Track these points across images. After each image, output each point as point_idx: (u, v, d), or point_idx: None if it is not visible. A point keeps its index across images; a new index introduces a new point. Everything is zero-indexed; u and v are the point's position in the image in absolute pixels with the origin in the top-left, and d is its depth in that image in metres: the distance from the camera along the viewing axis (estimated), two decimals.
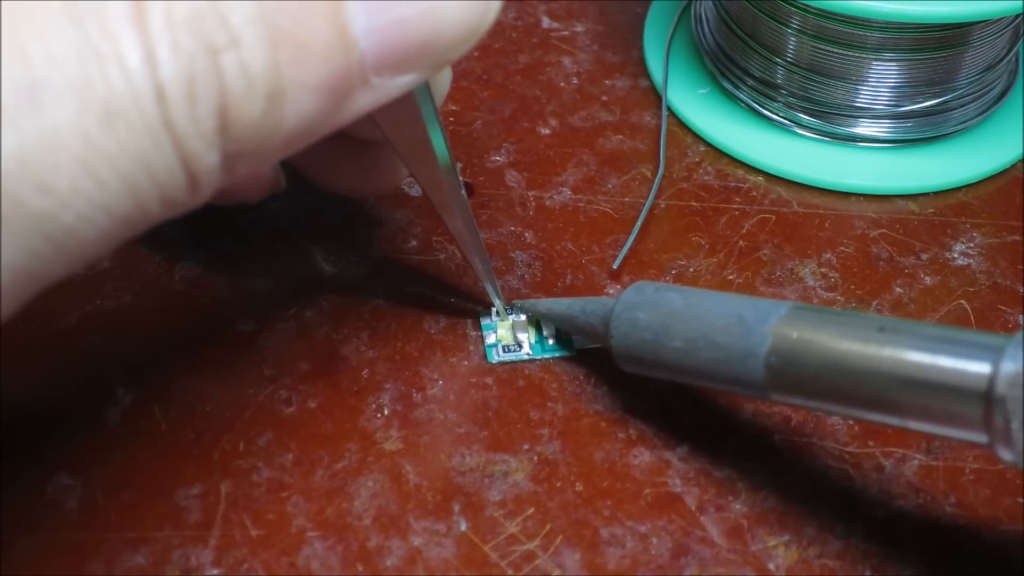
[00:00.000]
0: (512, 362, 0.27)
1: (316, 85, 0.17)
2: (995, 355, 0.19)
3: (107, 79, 0.15)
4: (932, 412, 0.20)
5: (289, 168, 0.27)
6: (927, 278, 0.29)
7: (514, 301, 0.28)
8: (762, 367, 0.22)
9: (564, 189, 0.31)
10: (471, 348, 0.27)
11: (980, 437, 0.19)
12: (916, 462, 0.25)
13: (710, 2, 0.34)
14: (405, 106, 0.21)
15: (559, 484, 0.24)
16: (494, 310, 0.27)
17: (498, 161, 0.32)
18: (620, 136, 0.33)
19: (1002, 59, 0.32)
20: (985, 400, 0.19)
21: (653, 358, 0.24)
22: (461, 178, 0.31)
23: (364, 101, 0.18)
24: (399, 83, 0.18)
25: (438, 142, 0.22)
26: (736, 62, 0.33)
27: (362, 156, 0.26)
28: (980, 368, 0.19)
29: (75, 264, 0.17)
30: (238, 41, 0.16)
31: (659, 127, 0.33)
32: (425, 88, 0.22)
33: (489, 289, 0.27)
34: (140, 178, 0.16)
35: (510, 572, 0.23)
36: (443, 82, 0.25)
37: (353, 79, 0.17)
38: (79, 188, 0.16)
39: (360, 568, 0.23)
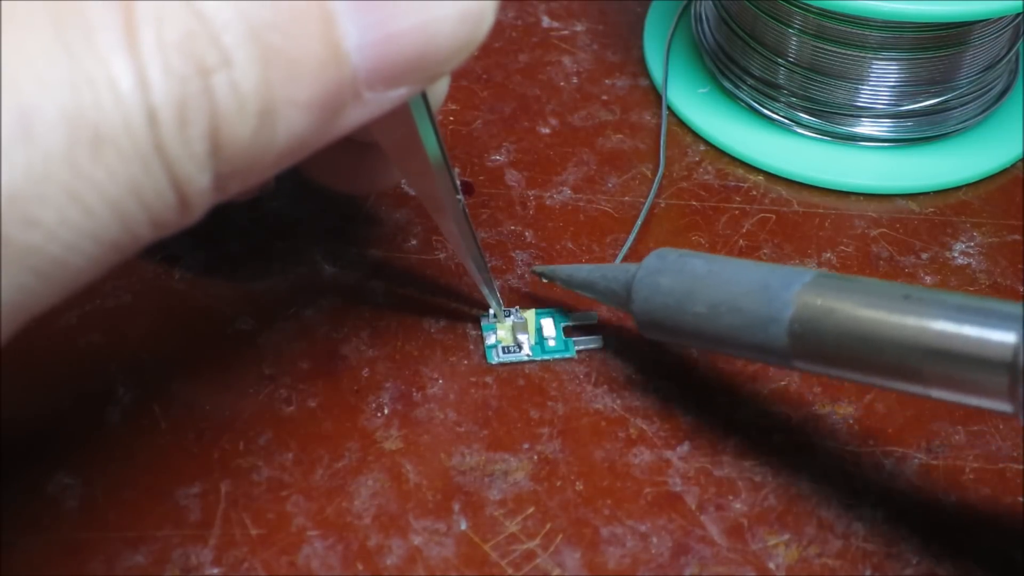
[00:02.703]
0: (512, 363, 0.27)
1: (308, 102, 0.17)
2: (1020, 324, 0.19)
3: (99, 104, 0.15)
4: (956, 381, 0.20)
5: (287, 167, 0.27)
6: (927, 277, 0.29)
7: (534, 267, 0.28)
8: (785, 333, 0.22)
9: (564, 188, 0.31)
10: (471, 347, 0.27)
11: (1004, 407, 0.19)
12: (916, 461, 0.25)
13: (710, 1, 0.34)
14: (397, 112, 0.21)
15: (559, 483, 0.24)
16: (492, 311, 0.27)
17: (498, 160, 0.32)
18: (620, 135, 0.33)
19: (1002, 59, 0.32)
20: (1010, 370, 0.19)
21: (674, 324, 0.24)
22: (460, 178, 0.31)
23: (356, 115, 0.18)
24: (392, 96, 0.18)
25: (431, 147, 0.22)
26: (736, 61, 0.33)
27: (361, 155, 0.26)
28: (1005, 337, 0.19)
29: (64, 292, 0.16)
30: (230, 61, 0.16)
31: (659, 126, 0.33)
32: (419, 95, 0.21)
33: (486, 292, 0.27)
34: (129, 203, 0.16)
35: (510, 571, 0.23)
36: (440, 89, 0.25)
37: (345, 94, 0.17)
38: (66, 219, 0.15)
39: (360, 567, 0.23)
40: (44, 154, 0.15)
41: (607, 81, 0.34)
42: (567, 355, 0.27)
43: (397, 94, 0.18)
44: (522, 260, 0.29)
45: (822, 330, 0.21)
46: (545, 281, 0.28)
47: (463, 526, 0.24)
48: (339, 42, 0.17)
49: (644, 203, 0.30)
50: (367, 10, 0.17)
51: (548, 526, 0.24)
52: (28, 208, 0.15)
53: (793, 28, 0.31)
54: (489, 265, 0.28)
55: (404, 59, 0.17)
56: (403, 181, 0.30)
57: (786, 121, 0.33)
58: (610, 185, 0.31)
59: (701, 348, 0.24)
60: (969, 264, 0.29)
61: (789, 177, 0.31)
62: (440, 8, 0.17)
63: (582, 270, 0.27)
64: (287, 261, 0.29)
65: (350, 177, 0.27)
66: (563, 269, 0.27)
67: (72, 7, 0.15)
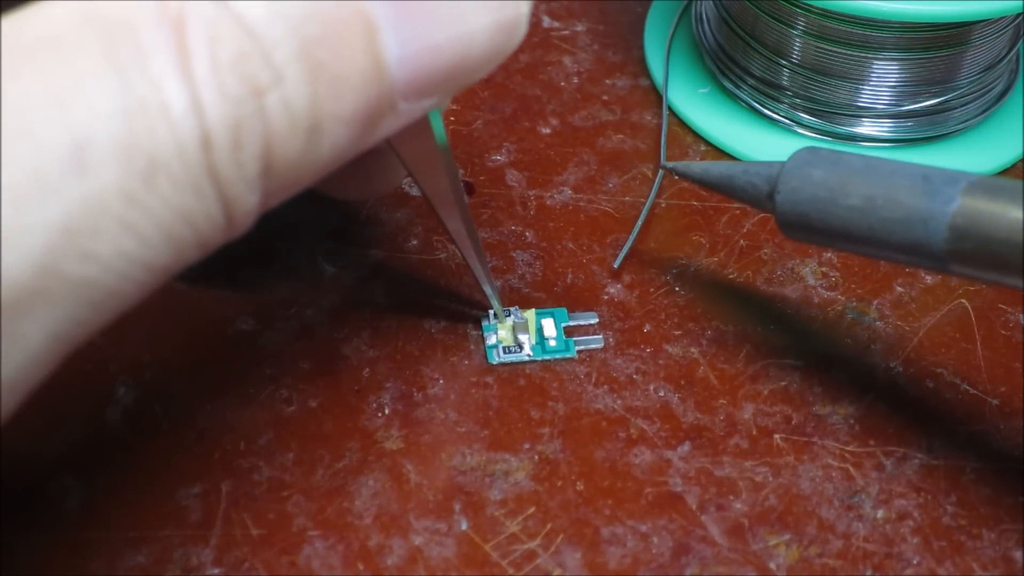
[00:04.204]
0: (512, 363, 0.27)
1: (352, 116, 0.17)
2: None
3: (152, 132, 0.15)
4: None
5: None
6: (928, 277, 0.29)
7: (665, 162, 0.26)
8: (945, 229, 0.21)
9: (565, 188, 0.31)
10: (472, 347, 0.27)
11: None
12: (917, 461, 0.25)
13: (711, 1, 0.34)
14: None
15: (560, 483, 0.24)
16: (492, 312, 0.27)
17: (498, 160, 0.32)
18: (621, 135, 0.33)
19: (1002, 59, 0.32)
20: None
21: (822, 218, 0.23)
22: (461, 178, 0.31)
23: (390, 126, 0.18)
24: (423, 106, 0.18)
25: (443, 146, 0.22)
26: (737, 61, 0.33)
27: (361, 161, 0.26)
28: None
29: (113, 318, 0.16)
30: (282, 79, 0.15)
31: (660, 126, 0.33)
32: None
33: (488, 291, 0.27)
34: (181, 229, 0.16)
35: (511, 571, 0.23)
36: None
37: (384, 107, 0.17)
38: (121, 250, 0.15)
39: (361, 567, 0.23)
40: (99, 187, 0.14)
41: (608, 81, 0.34)
42: (568, 355, 0.27)
43: (429, 103, 0.18)
44: (522, 260, 0.29)
45: (986, 229, 0.20)
46: (677, 176, 0.26)
47: (464, 526, 0.24)
48: (381, 55, 0.17)
49: (645, 203, 0.30)
50: (407, 23, 0.17)
51: (549, 526, 0.24)
52: (84, 242, 0.15)
53: (794, 28, 0.31)
54: (491, 264, 0.28)
55: (441, 70, 0.17)
56: (404, 182, 0.30)
57: (787, 121, 0.33)
58: (611, 185, 0.31)
59: (846, 249, 0.23)
60: None
61: None
62: (476, 19, 0.17)
63: (719, 165, 0.25)
64: (288, 261, 0.29)
65: (350, 184, 0.27)
66: (698, 164, 0.26)
67: (123, 26, 0.15)
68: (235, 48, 0.15)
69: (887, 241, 0.22)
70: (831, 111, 0.32)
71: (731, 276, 0.29)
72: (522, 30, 0.18)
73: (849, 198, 0.22)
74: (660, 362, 0.27)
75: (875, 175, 0.22)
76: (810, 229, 0.23)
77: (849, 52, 0.31)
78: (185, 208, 0.15)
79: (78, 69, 0.15)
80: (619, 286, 0.29)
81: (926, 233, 0.21)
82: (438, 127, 0.22)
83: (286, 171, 0.16)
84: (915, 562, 0.23)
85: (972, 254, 0.21)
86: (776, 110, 0.33)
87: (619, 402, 0.26)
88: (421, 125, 0.21)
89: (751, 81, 0.33)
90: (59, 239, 0.14)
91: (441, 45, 0.17)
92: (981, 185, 0.21)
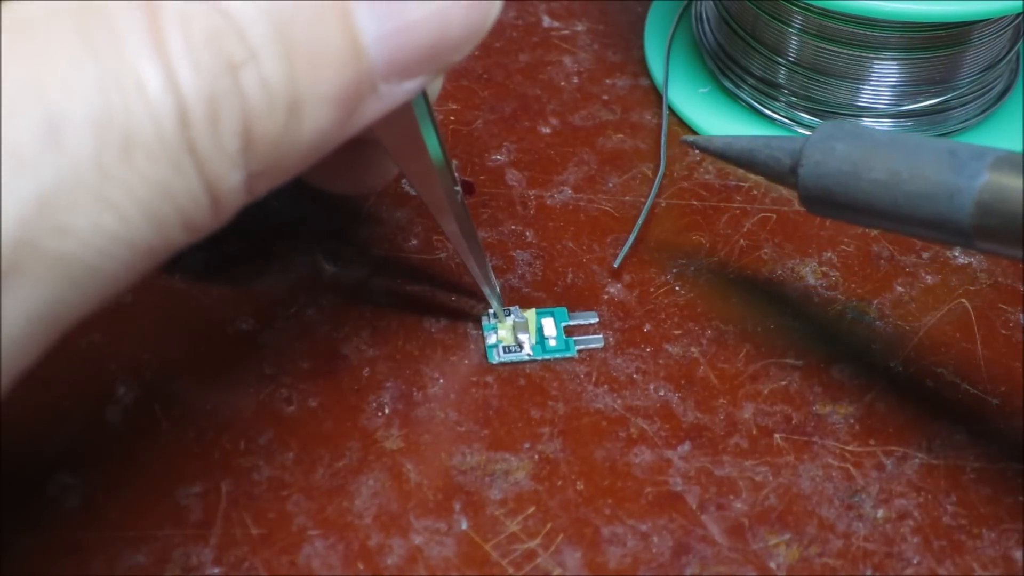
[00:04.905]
0: (513, 363, 0.27)
1: (331, 96, 0.17)
2: None
3: (127, 107, 0.15)
4: None
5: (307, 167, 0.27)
6: (928, 276, 0.29)
7: (684, 136, 0.26)
8: (972, 204, 0.20)
9: (565, 188, 0.31)
10: (472, 347, 0.27)
11: None
12: (917, 461, 0.25)
13: (711, 1, 0.34)
14: (399, 108, 0.21)
15: (560, 483, 0.24)
16: (491, 311, 0.27)
17: (499, 160, 0.32)
18: (621, 135, 0.33)
19: (1002, 58, 0.32)
20: None
21: (846, 192, 0.22)
22: (459, 177, 0.31)
23: (373, 109, 0.18)
24: (405, 88, 0.18)
25: (431, 142, 0.22)
26: (737, 61, 0.33)
27: (355, 155, 0.26)
28: None
29: (97, 302, 0.16)
30: (257, 56, 0.16)
31: (660, 126, 0.33)
32: (422, 96, 0.22)
33: (487, 292, 0.27)
34: (162, 206, 0.16)
35: (511, 571, 0.23)
36: (436, 83, 0.25)
37: (364, 88, 0.17)
38: (99, 225, 0.15)
39: (361, 567, 0.23)
40: (73, 160, 0.15)
41: (608, 81, 0.34)
42: (568, 355, 0.27)
43: (410, 86, 0.18)
44: (523, 260, 0.29)
45: (1014, 203, 0.20)
46: (696, 151, 0.26)
47: (464, 525, 0.24)
48: (358, 35, 0.17)
49: (645, 203, 0.30)
50: (382, 2, 0.17)
51: (549, 526, 0.24)
52: (60, 215, 0.15)
53: (794, 28, 0.31)
54: (491, 264, 0.28)
55: (418, 49, 0.18)
56: (404, 181, 0.30)
57: (787, 121, 0.33)
58: (611, 185, 0.31)
59: (870, 224, 0.23)
60: (970, 263, 0.29)
61: None
62: None
63: (741, 139, 0.25)
64: (287, 261, 0.29)
65: (344, 178, 0.27)
66: (719, 138, 0.26)
67: (96, 9, 0.15)
68: (208, 26, 0.15)
69: (912, 216, 0.22)
70: (831, 111, 0.32)
71: (731, 276, 0.29)
72: (497, 6, 0.18)
73: (873, 172, 0.22)
74: (660, 362, 0.27)
75: (900, 149, 0.22)
76: (833, 204, 0.23)
77: (849, 52, 0.31)
78: (165, 184, 0.16)
79: (52, 49, 0.15)
80: (619, 286, 0.29)
81: (952, 208, 0.21)
82: (421, 111, 0.22)
83: (268, 150, 0.17)
84: (915, 562, 0.23)
85: (998, 229, 0.20)
86: (776, 110, 0.33)
87: (619, 402, 0.26)
88: (406, 116, 0.21)
89: (751, 81, 0.33)
90: (34, 212, 0.15)
91: (417, 23, 0.17)
92: (1008, 160, 0.21)
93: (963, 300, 0.28)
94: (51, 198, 0.15)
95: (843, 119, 0.23)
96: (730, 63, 0.33)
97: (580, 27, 0.36)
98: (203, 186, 0.16)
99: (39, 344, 0.16)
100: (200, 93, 0.15)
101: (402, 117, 0.21)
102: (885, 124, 0.32)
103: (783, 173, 0.24)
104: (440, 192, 0.24)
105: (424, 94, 0.22)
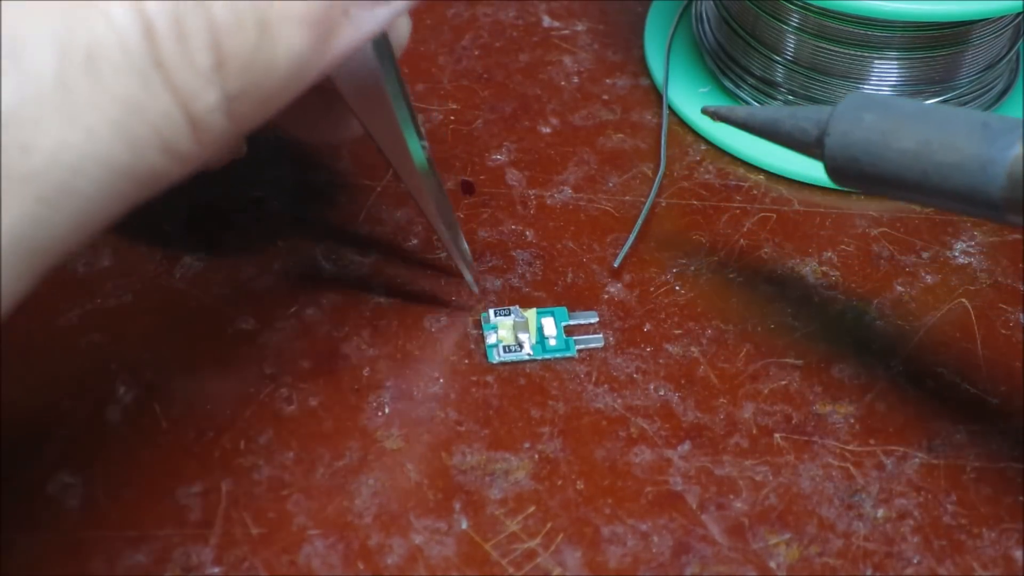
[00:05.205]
0: (513, 362, 0.27)
1: (302, 16, 0.17)
2: None
3: (88, 23, 0.15)
4: None
5: (287, 162, 0.27)
6: (928, 276, 0.29)
7: (705, 107, 0.26)
8: (1004, 176, 0.20)
9: (565, 188, 0.31)
10: (472, 346, 0.27)
11: None
12: (917, 460, 0.25)
13: (711, 1, 0.34)
14: (360, 58, 0.21)
15: (560, 482, 0.24)
16: (493, 312, 0.27)
17: (499, 160, 0.32)
18: (621, 135, 0.33)
19: (1002, 58, 0.32)
20: None
21: (874, 163, 0.22)
22: (460, 178, 0.31)
23: (347, 37, 0.18)
24: (377, 16, 0.18)
25: (393, 91, 0.22)
26: (737, 61, 0.33)
27: (328, 104, 0.26)
28: None
29: (83, 227, 0.16)
30: None
31: (660, 126, 0.33)
32: (385, 46, 0.22)
33: (455, 254, 0.27)
34: (134, 123, 0.16)
35: (511, 570, 0.23)
36: (402, 32, 0.25)
37: (335, 11, 0.18)
38: (65, 141, 0.15)
39: (361, 566, 0.23)
40: (34, 76, 0.15)
41: (608, 81, 0.34)
42: (568, 354, 0.27)
43: (382, 12, 0.18)
44: (523, 259, 0.29)
45: None
46: (718, 120, 0.26)
47: (464, 525, 0.24)
48: None
49: (645, 202, 0.30)
50: None
51: (549, 525, 0.24)
52: (23, 133, 0.15)
53: (793, 27, 0.31)
54: (466, 242, 0.27)
55: None
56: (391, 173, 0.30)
57: None
58: (611, 184, 0.31)
59: (897, 197, 0.22)
60: (970, 263, 0.29)
61: (790, 176, 0.31)
62: None
63: (766, 109, 0.25)
64: (287, 261, 0.29)
65: (317, 126, 0.27)
66: (742, 108, 0.25)
67: None
68: None
69: (940, 187, 0.21)
70: None
71: (731, 276, 0.29)
72: None
73: (902, 141, 0.22)
74: (660, 361, 0.27)
75: (930, 120, 0.22)
76: (860, 175, 0.23)
77: (849, 51, 0.31)
78: (134, 99, 0.16)
79: None
80: (619, 285, 0.29)
81: (984, 180, 0.20)
82: (386, 66, 0.22)
83: (243, 70, 0.17)
84: (915, 561, 0.23)
85: None
86: None
87: (619, 401, 0.26)
88: (367, 65, 0.22)
89: (751, 80, 0.33)
90: None
91: None
92: None
93: (963, 300, 0.28)
94: (14, 115, 0.15)
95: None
96: (730, 63, 0.33)
97: (580, 27, 0.36)
98: (176, 103, 0.16)
99: (29, 269, 0.16)
100: (164, 9, 0.15)
101: (363, 64, 0.22)
102: None
103: (809, 143, 0.24)
104: (403, 144, 0.23)
105: (389, 45, 0.22)
